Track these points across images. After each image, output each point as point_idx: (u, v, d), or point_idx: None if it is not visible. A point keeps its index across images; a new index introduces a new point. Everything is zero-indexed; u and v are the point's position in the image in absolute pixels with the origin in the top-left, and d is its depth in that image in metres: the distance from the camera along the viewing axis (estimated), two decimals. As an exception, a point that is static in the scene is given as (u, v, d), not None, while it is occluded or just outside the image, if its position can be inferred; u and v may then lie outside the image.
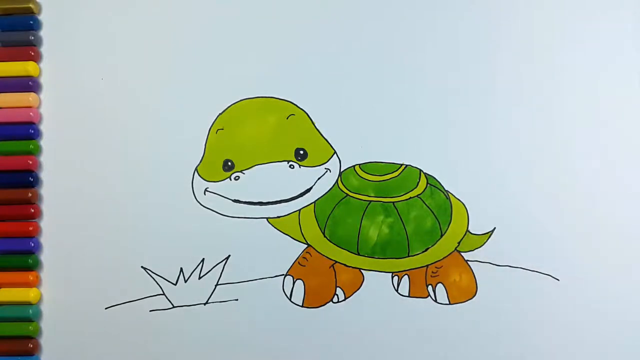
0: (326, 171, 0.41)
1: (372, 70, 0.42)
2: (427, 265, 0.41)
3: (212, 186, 0.41)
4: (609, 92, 0.41)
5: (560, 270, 0.41)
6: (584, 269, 0.40)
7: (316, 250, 0.41)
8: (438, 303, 0.41)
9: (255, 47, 0.42)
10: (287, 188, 0.41)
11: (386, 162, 0.41)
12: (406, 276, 0.41)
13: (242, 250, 0.41)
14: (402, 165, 0.41)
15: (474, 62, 0.42)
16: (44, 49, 0.43)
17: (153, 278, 0.41)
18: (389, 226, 0.41)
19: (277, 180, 0.41)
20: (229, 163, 0.41)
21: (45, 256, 0.42)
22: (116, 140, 0.42)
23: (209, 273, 0.41)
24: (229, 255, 0.41)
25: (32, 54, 0.42)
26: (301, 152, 0.41)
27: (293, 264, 0.41)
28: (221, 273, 0.41)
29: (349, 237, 0.41)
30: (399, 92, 0.42)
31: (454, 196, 0.41)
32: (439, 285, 0.41)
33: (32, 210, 0.41)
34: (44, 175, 0.42)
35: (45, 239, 0.42)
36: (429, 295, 0.41)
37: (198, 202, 0.41)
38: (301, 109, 0.42)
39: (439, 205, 0.41)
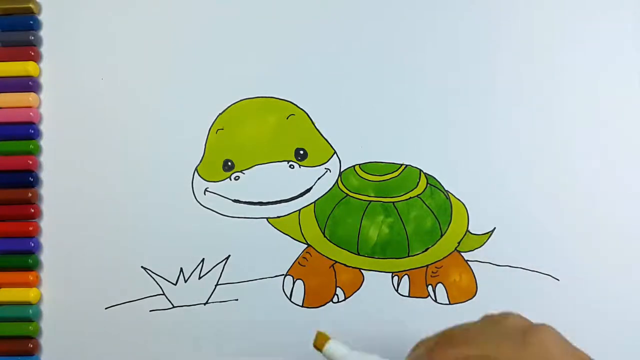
0: (326, 171, 0.41)
1: (372, 70, 0.42)
2: (427, 265, 0.41)
3: (212, 186, 0.41)
4: (609, 92, 0.41)
5: (560, 270, 0.40)
6: (584, 269, 0.40)
7: (316, 250, 0.41)
8: (438, 303, 0.41)
9: (255, 47, 0.42)
10: (287, 188, 0.41)
11: (386, 162, 0.41)
12: (406, 276, 0.41)
13: (242, 250, 0.41)
14: (402, 165, 0.41)
15: (474, 62, 0.42)
16: (44, 49, 0.43)
17: (153, 278, 0.41)
18: (389, 226, 0.41)
19: (277, 180, 0.41)
20: (229, 163, 0.41)
21: (45, 256, 0.42)
22: (116, 140, 0.42)
23: (209, 273, 0.41)
24: (229, 255, 0.41)
25: (32, 54, 0.42)
26: (301, 152, 0.41)
27: (293, 264, 0.41)
28: (221, 273, 0.41)
29: (349, 237, 0.41)
30: (399, 92, 0.42)
31: (454, 196, 0.41)
32: (439, 285, 0.41)
33: (32, 210, 0.41)
34: (44, 175, 0.42)
35: (45, 239, 0.42)
36: (429, 295, 0.41)
37: (198, 202, 0.41)
38: (301, 109, 0.42)
39: (439, 205, 0.41)
